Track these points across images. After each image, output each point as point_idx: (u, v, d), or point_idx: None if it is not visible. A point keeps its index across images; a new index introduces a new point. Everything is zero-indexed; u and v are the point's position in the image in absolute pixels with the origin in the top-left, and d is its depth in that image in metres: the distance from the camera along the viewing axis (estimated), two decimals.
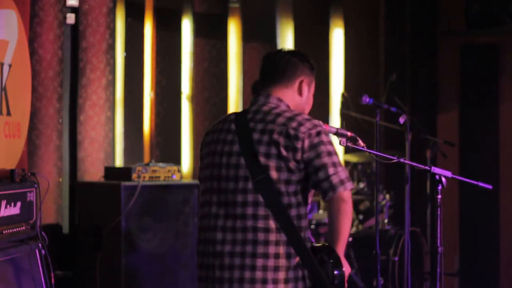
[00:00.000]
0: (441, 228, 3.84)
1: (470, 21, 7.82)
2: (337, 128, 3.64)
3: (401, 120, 5.09)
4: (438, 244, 3.86)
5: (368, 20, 8.03)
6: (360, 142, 3.67)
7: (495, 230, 7.73)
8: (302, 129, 3.26)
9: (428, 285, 6.79)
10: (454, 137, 7.67)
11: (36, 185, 4.23)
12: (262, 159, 3.24)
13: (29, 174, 4.27)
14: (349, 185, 3.27)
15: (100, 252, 5.50)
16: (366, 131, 6.29)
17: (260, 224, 3.22)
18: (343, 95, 7.10)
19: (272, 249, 3.22)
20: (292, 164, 3.24)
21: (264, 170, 3.23)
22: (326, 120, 7.24)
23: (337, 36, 7.69)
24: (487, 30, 7.76)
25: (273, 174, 3.23)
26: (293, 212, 3.25)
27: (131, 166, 5.64)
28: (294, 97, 3.44)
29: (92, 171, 5.88)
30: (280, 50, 3.52)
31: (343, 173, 3.26)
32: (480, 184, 3.97)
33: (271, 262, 3.21)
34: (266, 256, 3.21)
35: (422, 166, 3.83)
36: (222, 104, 6.99)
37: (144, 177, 5.60)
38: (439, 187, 3.84)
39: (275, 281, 3.21)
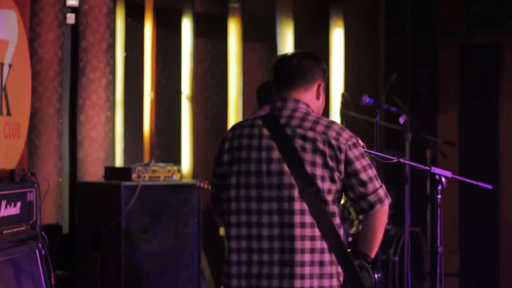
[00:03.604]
0: (441, 228, 3.84)
1: (470, 21, 7.82)
2: None
3: (401, 120, 5.09)
4: (438, 244, 3.86)
5: (368, 20, 8.03)
6: (360, 142, 3.67)
7: (495, 230, 7.72)
8: (342, 140, 3.25)
9: (428, 285, 6.79)
10: (454, 137, 7.66)
11: (36, 185, 4.23)
12: (308, 168, 3.21)
13: (29, 174, 4.27)
14: (390, 198, 3.34)
15: (100, 252, 5.50)
16: (366, 131, 6.30)
17: (307, 232, 3.21)
18: (343, 95, 7.10)
19: (317, 257, 3.22)
20: (335, 175, 3.23)
21: (311, 179, 3.21)
22: None
23: (337, 36, 7.69)
24: (487, 30, 7.76)
25: (319, 183, 3.22)
26: (335, 221, 3.26)
27: (131, 166, 5.64)
28: (313, 101, 3.40)
29: (92, 171, 5.87)
30: (296, 53, 3.45)
31: (384, 187, 3.33)
32: (480, 184, 3.97)
33: (316, 270, 3.21)
34: (312, 264, 3.21)
35: (422, 166, 3.82)
36: (222, 104, 6.98)
37: (144, 177, 5.60)
38: (439, 187, 3.84)
39: None
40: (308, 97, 3.38)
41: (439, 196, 3.85)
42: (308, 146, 3.23)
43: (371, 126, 6.35)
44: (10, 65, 4.87)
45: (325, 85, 3.46)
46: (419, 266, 6.75)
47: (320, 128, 3.26)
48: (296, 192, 3.22)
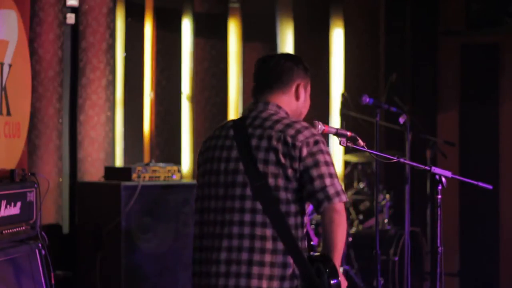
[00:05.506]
0: (441, 228, 3.84)
1: (470, 21, 7.82)
2: (337, 128, 3.62)
3: (401, 120, 5.09)
4: (438, 244, 3.86)
5: (368, 20, 8.03)
6: (360, 142, 3.66)
7: (495, 230, 7.72)
8: (300, 137, 3.23)
9: (428, 285, 6.80)
10: (454, 137, 7.67)
11: (36, 185, 4.23)
12: (260, 166, 3.20)
13: (29, 174, 4.27)
14: (344, 197, 3.23)
15: (100, 252, 5.50)
16: (366, 131, 6.30)
17: (258, 231, 3.19)
18: (343, 95, 7.10)
19: (268, 258, 3.18)
20: (289, 172, 3.20)
21: (263, 177, 3.19)
22: (326, 120, 7.24)
23: (337, 36, 7.69)
24: (487, 30, 7.76)
25: (271, 181, 3.19)
26: (291, 220, 3.21)
27: (131, 166, 5.64)
28: (291, 102, 3.40)
29: (92, 171, 5.88)
30: (274, 55, 3.48)
31: (339, 185, 3.23)
32: (480, 184, 3.97)
33: (266, 271, 3.17)
34: (262, 264, 3.17)
35: (422, 166, 3.82)
36: (222, 104, 6.99)
37: (144, 177, 5.60)
38: (439, 187, 3.84)
39: None
40: (286, 99, 3.39)
41: (439, 196, 3.85)
42: (263, 144, 3.23)
43: (371, 126, 6.36)
44: (10, 65, 4.87)
45: (306, 84, 3.44)
46: (419, 266, 6.75)
47: (279, 126, 3.26)
48: (248, 191, 3.21)
